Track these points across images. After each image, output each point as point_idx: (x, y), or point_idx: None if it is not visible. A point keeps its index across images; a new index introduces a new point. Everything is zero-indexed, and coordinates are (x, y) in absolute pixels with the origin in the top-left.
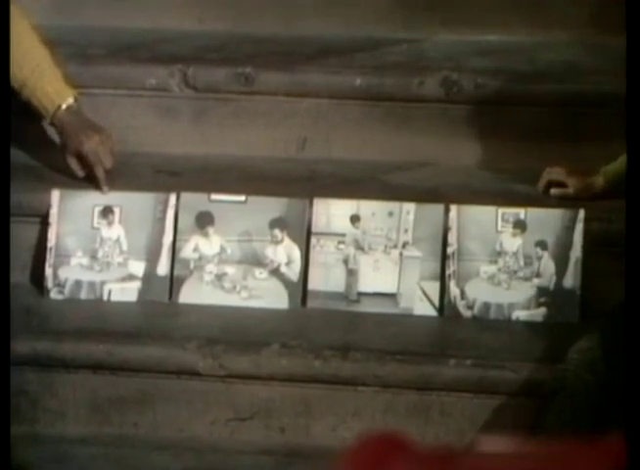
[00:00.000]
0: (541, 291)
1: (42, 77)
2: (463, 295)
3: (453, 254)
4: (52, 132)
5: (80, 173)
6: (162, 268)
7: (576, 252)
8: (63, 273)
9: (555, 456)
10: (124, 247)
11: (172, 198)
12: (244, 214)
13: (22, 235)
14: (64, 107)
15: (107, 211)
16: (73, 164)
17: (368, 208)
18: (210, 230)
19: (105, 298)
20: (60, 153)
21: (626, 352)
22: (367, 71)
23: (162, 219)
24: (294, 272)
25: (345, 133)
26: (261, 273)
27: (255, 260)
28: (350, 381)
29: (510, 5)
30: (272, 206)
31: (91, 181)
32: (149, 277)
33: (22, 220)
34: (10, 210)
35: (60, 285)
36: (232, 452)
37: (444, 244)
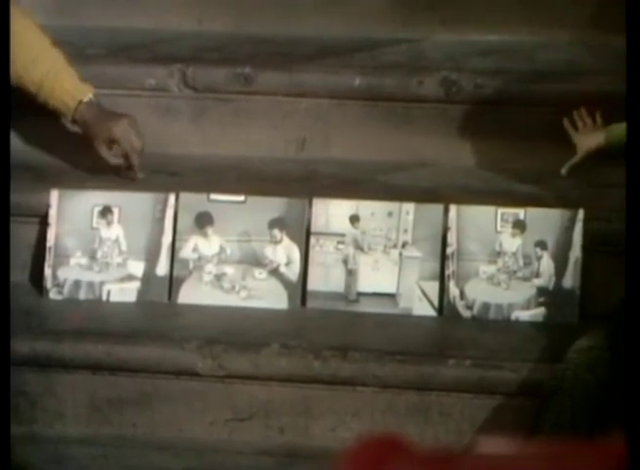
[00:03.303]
0: (541, 291)
1: (58, 76)
2: (462, 295)
3: (452, 254)
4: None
5: (114, 161)
6: (162, 269)
7: (576, 252)
8: (62, 273)
9: (555, 457)
10: (123, 247)
11: (171, 198)
12: (243, 214)
13: (21, 235)
14: (85, 101)
15: (106, 212)
16: (105, 152)
17: (367, 208)
18: (210, 230)
19: (104, 298)
20: (89, 146)
21: (627, 351)
22: (366, 72)
23: (162, 219)
24: (293, 272)
25: (345, 133)
26: (261, 273)
27: (255, 261)
28: (350, 381)
29: (510, 5)
30: (271, 206)
31: (121, 170)
32: (148, 277)
33: (21, 220)
34: (10, 210)
35: (59, 285)
36: (231, 453)
37: (444, 244)
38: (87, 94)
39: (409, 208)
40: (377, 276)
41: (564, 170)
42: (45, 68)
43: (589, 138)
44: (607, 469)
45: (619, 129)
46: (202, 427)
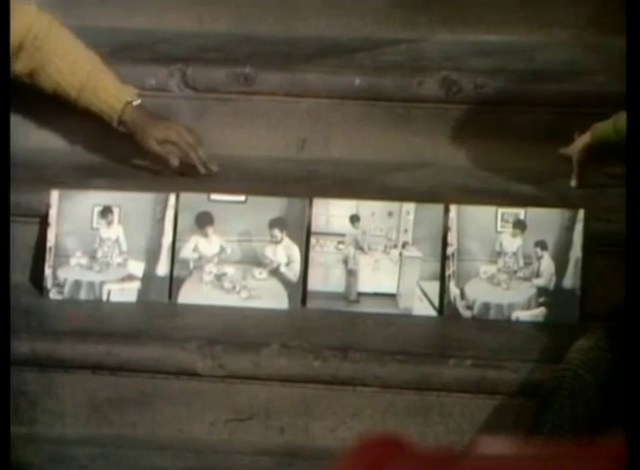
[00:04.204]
0: (541, 291)
1: (100, 79)
2: (463, 295)
3: (453, 254)
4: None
5: (174, 161)
6: (162, 269)
7: (576, 252)
8: (62, 273)
9: (555, 458)
10: (124, 247)
11: (172, 198)
12: (243, 214)
13: (21, 235)
14: (131, 102)
15: (106, 212)
16: (158, 149)
17: (368, 208)
18: (210, 230)
19: (104, 298)
20: (138, 146)
21: (626, 351)
22: (366, 72)
23: (162, 220)
24: (293, 272)
25: (345, 133)
26: (261, 273)
27: (255, 261)
28: (350, 381)
29: (510, 5)
30: (272, 206)
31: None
32: (148, 277)
33: (21, 220)
34: (10, 210)
35: (59, 285)
36: (231, 453)
37: (444, 244)
38: (132, 95)
39: (409, 208)
40: (377, 276)
41: (573, 184)
42: (85, 72)
43: (578, 142)
44: (607, 469)
45: (604, 125)
46: (202, 427)
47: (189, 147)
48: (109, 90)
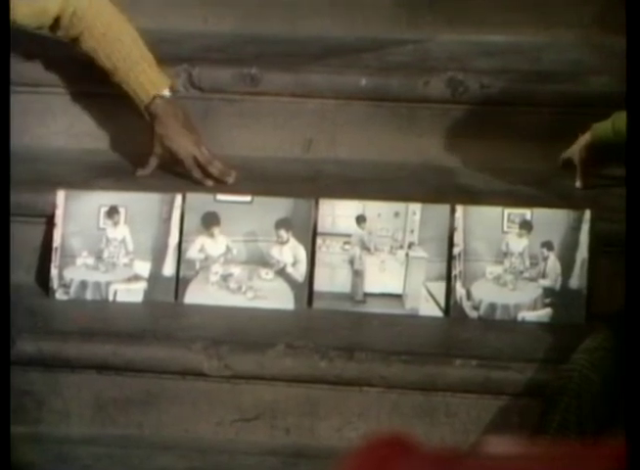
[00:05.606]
0: (547, 292)
1: (135, 66)
2: (469, 295)
3: (459, 254)
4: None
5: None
6: (168, 269)
7: (582, 252)
8: (68, 274)
9: (560, 458)
10: (130, 247)
11: (178, 198)
12: (249, 215)
13: (27, 236)
14: (158, 98)
15: (112, 212)
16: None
17: (374, 208)
18: (216, 231)
19: (110, 298)
20: (154, 140)
21: (627, 351)
22: (372, 72)
23: (168, 220)
24: (299, 273)
25: (351, 134)
26: (267, 274)
27: (261, 261)
28: (356, 381)
29: (515, 5)
30: (278, 206)
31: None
32: (154, 278)
33: (27, 221)
34: (10, 209)
35: (65, 285)
36: (237, 453)
37: (450, 244)
38: (162, 90)
39: (416, 208)
40: (383, 277)
41: (578, 184)
42: (121, 54)
43: (578, 142)
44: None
45: (603, 125)
46: (208, 427)
47: (206, 161)
48: (140, 81)
